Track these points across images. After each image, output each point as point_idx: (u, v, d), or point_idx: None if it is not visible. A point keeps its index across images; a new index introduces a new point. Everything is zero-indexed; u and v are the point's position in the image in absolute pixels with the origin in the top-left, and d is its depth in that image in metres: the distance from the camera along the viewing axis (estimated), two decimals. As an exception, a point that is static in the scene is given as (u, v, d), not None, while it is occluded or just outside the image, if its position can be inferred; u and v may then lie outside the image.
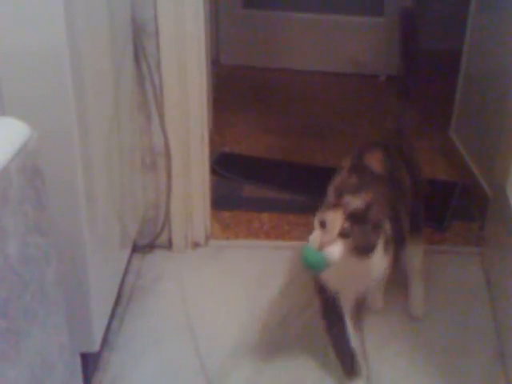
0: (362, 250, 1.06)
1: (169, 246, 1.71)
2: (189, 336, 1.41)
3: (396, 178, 1.27)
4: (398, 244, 1.19)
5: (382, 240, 1.11)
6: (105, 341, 1.34)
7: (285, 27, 2.91)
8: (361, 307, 1.43)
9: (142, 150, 1.61)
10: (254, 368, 1.33)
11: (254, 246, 1.74)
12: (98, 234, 1.18)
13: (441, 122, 2.26)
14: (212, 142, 1.77)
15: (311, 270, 1.09)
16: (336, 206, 1.04)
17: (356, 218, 1.03)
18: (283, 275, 1.60)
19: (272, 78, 2.87)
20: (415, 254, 1.44)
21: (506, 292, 1.41)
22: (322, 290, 1.21)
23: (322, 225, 1.04)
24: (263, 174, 2.11)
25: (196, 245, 1.73)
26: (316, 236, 1.04)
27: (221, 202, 1.88)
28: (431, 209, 1.84)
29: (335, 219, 1.03)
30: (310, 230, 1.07)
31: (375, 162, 1.24)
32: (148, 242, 1.68)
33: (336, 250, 1.03)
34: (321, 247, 1.03)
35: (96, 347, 1.21)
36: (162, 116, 1.55)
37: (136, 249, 1.67)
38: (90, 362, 1.25)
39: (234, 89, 2.74)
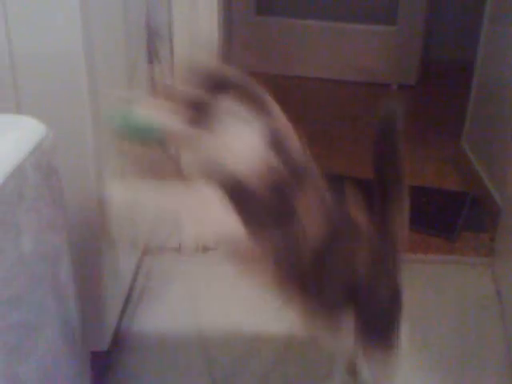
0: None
1: (179, 248, 1.72)
2: (198, 338, 1.42)
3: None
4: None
5: None
6: (114, 340, 1.35)
7: (297, 34, 2.92)
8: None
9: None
10: (263, 371, 1.34)
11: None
12: (111, 233, 1.19)
13: (452, 131, 2.26)
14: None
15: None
16: None
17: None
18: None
19: (284, 84, 2.88)
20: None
21: (517, 303, 1.41)
22: None
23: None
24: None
25: (206, 248, 1.73)
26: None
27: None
28: (441, 219, 1.85)
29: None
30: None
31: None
32: (158, 244, 1.69)
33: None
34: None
35: (106, 346, 1.22)
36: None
37: (147, 251, 1.68)
38: (99, 361, 1.25)
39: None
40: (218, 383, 1.30)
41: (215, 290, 1.59)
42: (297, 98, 2.79)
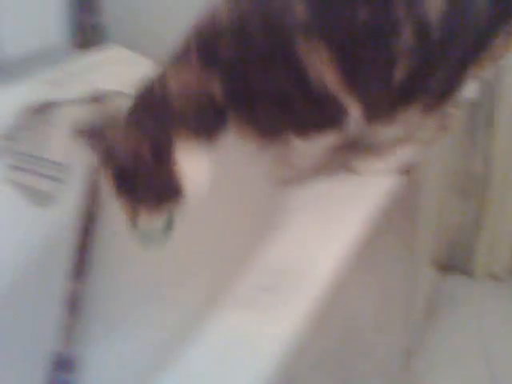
0: None
1: (469, 271, 1.70)
2: (484, 364, 1.39)
3: None
4: None
5: None
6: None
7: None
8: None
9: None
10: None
11: None
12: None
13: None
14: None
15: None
16: None
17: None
18: None
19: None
20: None
21: None
22: None
23: None
24: None
25: (497, 277, 1.68)
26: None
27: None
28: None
29: None
30: None
31: None
32: (446, 263, 1.69)
33: None
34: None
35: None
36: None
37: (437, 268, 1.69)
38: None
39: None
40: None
41: (506, 325, 1.53)
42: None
